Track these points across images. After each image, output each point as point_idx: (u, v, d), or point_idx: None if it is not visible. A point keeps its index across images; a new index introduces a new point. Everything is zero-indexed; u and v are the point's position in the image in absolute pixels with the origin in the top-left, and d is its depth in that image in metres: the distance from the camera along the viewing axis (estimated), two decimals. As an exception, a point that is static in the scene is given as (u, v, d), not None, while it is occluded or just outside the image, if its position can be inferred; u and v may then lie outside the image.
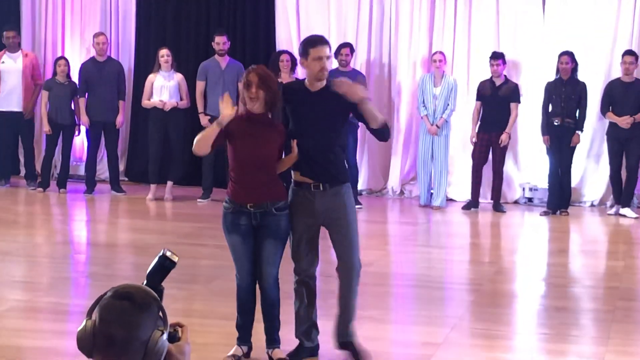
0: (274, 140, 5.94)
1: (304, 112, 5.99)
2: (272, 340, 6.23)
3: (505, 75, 12.74)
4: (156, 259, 3.19)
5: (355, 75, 12.76)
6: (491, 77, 12.73)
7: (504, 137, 12.55)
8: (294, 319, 6.32)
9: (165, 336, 2.87)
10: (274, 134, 5.94)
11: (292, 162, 5.98)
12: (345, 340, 6.11)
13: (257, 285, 6.18)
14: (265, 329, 6.25)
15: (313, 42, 5.98)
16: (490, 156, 12.78)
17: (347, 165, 12.88)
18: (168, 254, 3.21)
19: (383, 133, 6.04)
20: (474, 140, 12.78)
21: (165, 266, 3.22)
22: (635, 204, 12.72)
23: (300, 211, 6.02)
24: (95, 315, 2.85)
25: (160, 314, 2.91)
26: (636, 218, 12.25)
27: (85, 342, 2.84)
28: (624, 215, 12.28)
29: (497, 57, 12.68)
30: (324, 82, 5.99)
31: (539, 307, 8.04)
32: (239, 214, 5.95)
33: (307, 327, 6.28)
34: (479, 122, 12.72)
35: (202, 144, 5.85)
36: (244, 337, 6.28)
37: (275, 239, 5.98)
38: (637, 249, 10.84)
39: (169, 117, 12.93)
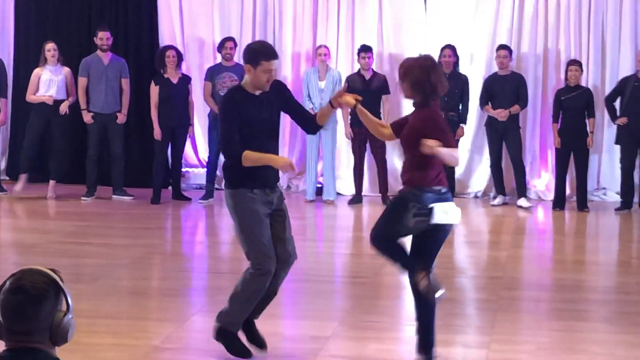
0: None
1: (253, 116, 5.98)
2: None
3: (372, 69, 12.85)
4: None
5: (239, 69, 12.74)
6: (359, 71, 12.82)
7: None
8: None
9: (69, 315, 3.03)
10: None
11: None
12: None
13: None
14: None
15: (267, 55, 5.94)
16: (369, 149, 12.89)
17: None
18: None
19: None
20: (350, 136, 12.86)
21: None
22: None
23: None
24: None
25: (62, 295, 3.03)
26: (530, 208, 12.47)
27: None
28: (520, 206, 12.49)
29: (367, 50, 12.77)
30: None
31: (426, 298, 8.13)
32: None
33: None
34: (349, 117, 12.79)
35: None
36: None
37: None
38: (521, 239, 11.05)
39: (54, 113, 12.68)
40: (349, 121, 12.78)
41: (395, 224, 5.74)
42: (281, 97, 6.12)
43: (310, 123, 6.35)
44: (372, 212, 12.45)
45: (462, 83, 12.68)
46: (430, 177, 5.76)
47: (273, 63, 5.97)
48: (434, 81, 5.85)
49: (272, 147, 6.06)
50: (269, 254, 5.96)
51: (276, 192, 6.13)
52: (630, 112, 12.16)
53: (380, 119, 12.62)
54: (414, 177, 5.78)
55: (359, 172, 12.92)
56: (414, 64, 5.90)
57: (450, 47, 12.68)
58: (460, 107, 12.66)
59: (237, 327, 6.12)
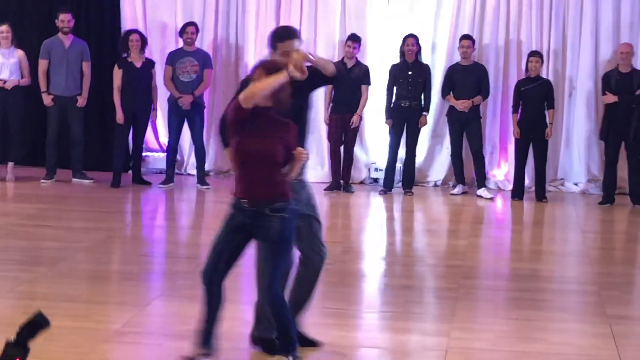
0: (279, 136, 5.47)
1: None
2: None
3: (356, 58, 12.85)
4: (31, 317, 3.28)
5: (201, 55, 12.71)
6: (342, 59, 12.82)
7: (355, 118, 12.67)
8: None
9: None
10: (282, 129, 5.50)
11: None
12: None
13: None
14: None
15: (280, 37, 5.84)
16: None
17: (195, 146, 12.67)
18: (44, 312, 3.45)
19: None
20: (327, 122, 12.88)
21: (39, 323, 3.35)
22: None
23: None
24: None
25: None
26: (491, 198, 12.55)
27: None
28: (480, 196, 12.56)
29: (355, 39, 12.77)
30: None
31: (386, 286, 8.18)
32: (235, 209, 5.51)
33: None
34: (330, 104, 12.81)
35: (266, 92, 5.32)
36: (204, 339, 5.64)
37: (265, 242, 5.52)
38: (480, 228, 11.11)
39: (9, 95, 12.58)
40: (330, 108, 12.78)
41: None
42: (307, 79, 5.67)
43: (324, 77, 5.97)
44: (333, 199, 12.46)
45: (424, 72, 12.72)
46: None
47: (288, 44, 5.78)
48: None
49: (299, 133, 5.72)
50: None
51: None
52: (616, 107, 12.18)
53: (356, 108, 12.68)
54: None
55: (336, 160, 12.89)
56: None
57: (413, 36, 12.70)
58: (422, 96, 12.70)
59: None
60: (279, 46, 5.77)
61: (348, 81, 12.57)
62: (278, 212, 5.43)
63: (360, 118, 12.76)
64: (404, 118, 12.64)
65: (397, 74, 12.70)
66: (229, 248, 5.55)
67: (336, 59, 13.07)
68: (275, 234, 5.43)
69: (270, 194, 5.44)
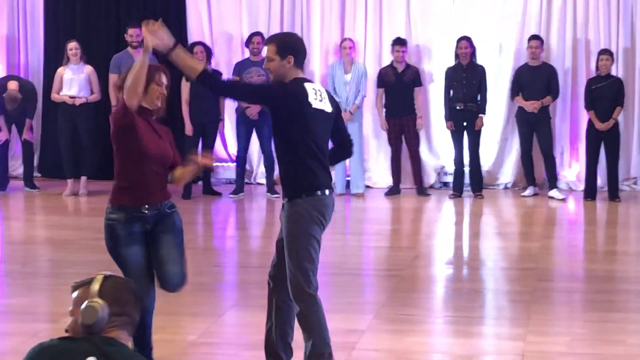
0: (169, 139, 5.71)
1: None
2: None
3: (405, 61, 12.85)
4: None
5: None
6: (392, 63, 12.84)
7: (418, 121, 12.71)
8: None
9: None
10: (168, 132, 5.76)
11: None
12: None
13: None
14: None
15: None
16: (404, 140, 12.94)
17: (264, 155, 12.70)
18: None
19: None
20: (385, 127, 12.89)
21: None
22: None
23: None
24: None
25: None
26: (563, 199, 12.44)
27: None
28: (552, 197, 12.45)
29: (402, 43, 12.79)
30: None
31: (458, 291, 8.13)
32: (132, 221, 5.48)
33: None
34: (383, 109, 12.84)
35: (135, 84, 5.31)
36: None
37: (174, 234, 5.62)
38: (552, 230, 11.02)
39: (78, 110, 12.80)
40: (384, 113, 12.81)
41: None
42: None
43: None
44: (402, 204, 12.45)
45: (479, 74, 12.68)
46: None
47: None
48: None
49: None
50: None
51: None
52: None
53: (413, 111, 12.72)
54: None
55: (396, 164, 12.93)
56: None
57: (467, 39, 12.68)
58: (478, 98, 12.65)
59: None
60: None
61: (400, 85, 12.62)
62: (173, 208, 5.64)
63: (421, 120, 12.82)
64: (462, 121, 12.61)
65: (452, 76, 12.67)
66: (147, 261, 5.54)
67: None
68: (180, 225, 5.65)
69: (166, 194, 5.62)
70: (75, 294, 3.47)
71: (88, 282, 3.45)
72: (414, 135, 12.84)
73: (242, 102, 5.98)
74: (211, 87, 5.63)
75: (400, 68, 12.82)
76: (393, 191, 12.93)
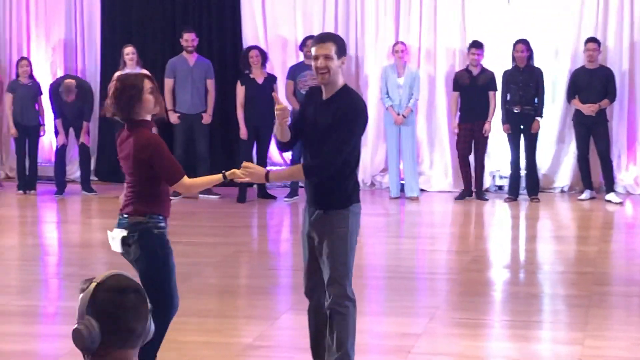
0: None
1: (309, 121, 5.45)
2: None
3: (481, 65, 12.79)
4: None
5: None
6: (467, 67, 12.79)
7: (487, 126, 12.63)
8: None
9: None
10: None
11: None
12: None
13: None
14: None
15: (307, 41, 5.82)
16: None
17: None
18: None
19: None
20: (456, 131, 12.84)
21: None
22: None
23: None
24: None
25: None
26: (620, 203, 12.31)
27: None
28: (610, 201, 12.33)
29: (479, 46, 12.71)
30: (331, 87, 5.36)
31: (515, 295, 8.07)
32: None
33: None
34: (458, 113, 12.78)
35: (194, 190, 5.60)
36: None
37: None
38: (610, 234, 10.91)
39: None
40: (458, 117, 12.77)
41: None
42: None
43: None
44: (460, 208, 12.38)
45: (536, 76, 12.58)
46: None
47: (311, 48, 5.47)
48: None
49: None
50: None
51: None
52: None
53: (486, 116, 12.64)
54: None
55: (465, 168, 12.86)
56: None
57: (523, 42, 12.58)
58: (535, 101, 12.55)
59: None
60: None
61: (475, 89, 12.54)
62: None
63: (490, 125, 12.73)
64: (518, 124, 12.52)
65: (509, 79, 12.59)
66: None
67: (457, 68, 13.07)
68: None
69: None
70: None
71: (84, 290, 3.12)
72: (483, 140, 12.75)
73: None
74: (322, 172, 5.38)
75: (475, 71, 12.74)
76: (464, 195, 12.82)
